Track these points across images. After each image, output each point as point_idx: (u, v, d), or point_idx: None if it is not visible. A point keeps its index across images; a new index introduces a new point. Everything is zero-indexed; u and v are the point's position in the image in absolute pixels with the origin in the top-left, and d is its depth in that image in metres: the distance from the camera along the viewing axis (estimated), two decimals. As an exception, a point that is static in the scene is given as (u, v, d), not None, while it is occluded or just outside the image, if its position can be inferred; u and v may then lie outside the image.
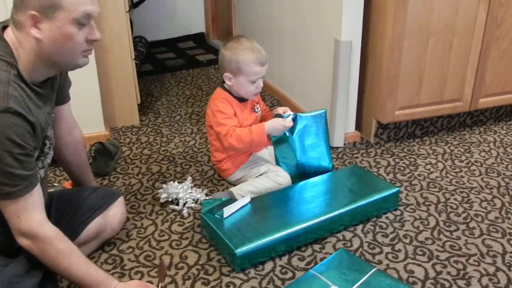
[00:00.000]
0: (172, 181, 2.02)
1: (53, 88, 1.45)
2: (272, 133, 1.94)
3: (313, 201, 1.84)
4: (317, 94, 2.52)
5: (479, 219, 1.86)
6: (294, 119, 1.94)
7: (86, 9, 1.26)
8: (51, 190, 1.76)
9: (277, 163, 2.05)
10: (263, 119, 2.08)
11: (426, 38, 2.19)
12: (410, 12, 2.11)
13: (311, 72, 2.56)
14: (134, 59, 2.59)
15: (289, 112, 1.96)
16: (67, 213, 1.59)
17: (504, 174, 2.16)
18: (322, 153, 2.04)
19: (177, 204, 1.94)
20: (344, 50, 2.21)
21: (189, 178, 2.05)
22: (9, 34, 1.27)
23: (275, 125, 1.92)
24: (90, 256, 1.65)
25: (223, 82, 1.98)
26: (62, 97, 1.58)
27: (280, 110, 1.97)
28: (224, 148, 1.98)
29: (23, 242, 1.30)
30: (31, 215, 1.27)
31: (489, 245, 1.72)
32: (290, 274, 1.60)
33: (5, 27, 1.30)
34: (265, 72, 1.94)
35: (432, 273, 1.59)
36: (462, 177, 2.14)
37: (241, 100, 1.99)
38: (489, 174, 2.16)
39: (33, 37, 1.25)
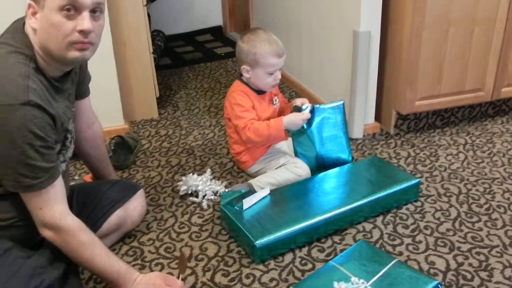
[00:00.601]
0: (191, 174, 2.02)
1: (73, 82, 1.46)
2: (290, 128, 1.93)
3: (333, 192, 1.84)
4: (335, 86, 2.50)
5: (502, 210, 1.83)
6: (312, 111, 1.93)
7: None
8: (72, 183, 1.78)
9: (296, 155, 2.04)
10: (281, 111, 2.08)
11: (446, 27, 2.15)
12: (430, 1, 2.07)
13: (330, 63, 2.54)
14: (152, 53, 2.60)
15: (307, 104, 1.94)
16: (88, 206, 1.61)
17: (527, 164, 2.13)
18: (341, 145, 2.02)
19: (197, 196, 1.95)
20: (363, 40, 2.19)
21: (209, 170, 2.06)
22: (28, 27, 1.29)
23: (293, 119, 1.91)
24: (111, 248, 1.67)
25: (241, 75, 1.98)
26: (82, 92, 1.59)
27: (298, 101, 1.96)
28: (243, 141, 1.98)
29: (46, 233, 1.32)
30: (53, 207, 1.29)
31: (512, 236, 1.70)
32: (310, 266, 1.60)
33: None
34: (283, 64, 1.93)
35: (453, 265, 1.58)
36: (484, 167, 2.11)
37: (259, 92, 1.98)
38: (511, 164, 2.13)
39: (32, 27, 1.26)
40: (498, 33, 2.25)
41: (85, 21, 1.22)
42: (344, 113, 2.02)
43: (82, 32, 1.23)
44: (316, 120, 1.95)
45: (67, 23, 1.22)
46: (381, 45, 2.28)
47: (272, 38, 1.91)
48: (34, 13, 1.24)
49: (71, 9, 1.21)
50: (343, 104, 2.01)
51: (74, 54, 1.26)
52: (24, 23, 1.30)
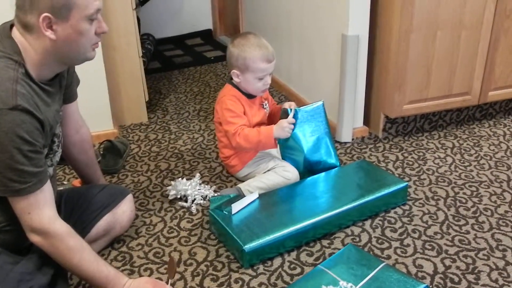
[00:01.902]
0: (180, 178, 2.03)
1: (60, 86, 1.46)
2: (280, 137, 1.92)
3: (321, 196, 1.85)
4: (325, 89, 2.52)
5: (489, 213, 1.85)
6: (295, 114, 1.93)
7: (97, 4, 1.29)
8: (60, 188, 1.77)
9: (284, 159, 2.04)
10: (272, 114, 2.08)
11: (433, 31, 2.17)
12: (417, 5, 2.10)
13: (319, 67, 2.55)
14: (142, 56, 2.60)
15: (293, 107, 1.95)
16: (77, 211, 1.61)
17: (514, 167, 2.15)
18: (327, 147, 2.03)
19: (186, 201, 1.95)
20: (351, 44, 2.21)
21: (198, 175, 2.06)
22: (16, 34, 1.28)
23: (280, 126, 1.90)
24: (99, 253, 1.66)
25: (231, 78, 1.98)
26: (69, 95, 1.59)
27: (286, 105, 1.97)
28: (232, 145, 1.98)
29: (34, 238, 1.31)
30: (41, 212, 1.29)
31: (499, 239, 1.71)
32: (298, 270, 1.61)
33: (12, 25, 1.31)
34: (273, 69, 1.93)
35: (441, 268, 1.59)
36: (471, 171, 2.13)
37: (250, 96, 1.99)
38: (498, 167, 2.15)
39: (46, 38, 1.26)
40: (485, 37, 2.28)
41: (103, 24, 1.33)
42: (325, 112, 2.02)
43: (102, 33, 1.34)
44: (298, 122, 1.94)
45: (91, 29, 1.31)
46: (369, 49, 2.30)
47: (262, 42, 1.91)
48: (50, 26, 1.25)
49: (95, 17, 1.30)
50: (323, 104, 2.00)
51: (93, 54, 1.37)
52: (10, 28, 1.30)
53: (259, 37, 1.93)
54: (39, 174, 1.27)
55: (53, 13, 1.23)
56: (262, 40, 1.92)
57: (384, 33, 2.25)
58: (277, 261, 1.64)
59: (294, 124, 1.93)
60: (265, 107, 2.07)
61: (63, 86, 1.48)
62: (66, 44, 1.29)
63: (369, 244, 1.71)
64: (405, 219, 1.82)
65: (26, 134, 1.21)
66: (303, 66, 2.72)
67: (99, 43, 1.38)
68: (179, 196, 1.97)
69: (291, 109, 1.93)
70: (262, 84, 1.92)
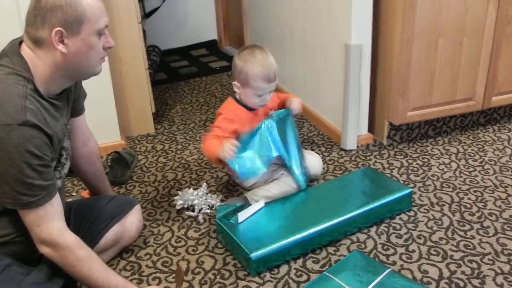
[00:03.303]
0: (187, 188, 2.05)
1: (68, 100, 1.49)
2: (220, 156, 1.80)
3: (327, 204, 1.86)
4: (329, 98, 2.54)
5: (493, 217, 1.86)
6: (283, 114, 1.95)
7: (106, 20, 1.34)
8: (69, 199, 1.80)
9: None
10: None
11: (435, 38, 2.19)
12: (418, 13, 2.12)
13: (323, 76, 2.57)
14: (148, 68, 2.63)
15: (293, 106, 1.97)
16: (86, 222, 1.63)
17: (518, 172, 2.16)
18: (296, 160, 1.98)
19: (193, 211, 1.97)
20: (355, 53, 2.23)
21: (204, 184, 2.08)
22: (25, 50, 1.32)
23: (222, 147, 1.79)
24: (108, 263, 1.69)
25: (235, 91, 2.00)
26: (77, 109, 1.62)
27: (288, 104, 1.98)
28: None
29: (44, 250, 1.34)
30: (51, 224, 1.32)
31: (504, 244, 1.72)
32: (305, 277, 1.62)
33: (21, 42, 1.35)
34: (274, 88, 1.92)
35: (446, 273, 1.60)
36: (476, 176, 2.14)
37: (252, 108, 2.00)
38: (503, 172, 2.16)
39: (57, 52, 1.30)
40: (487, 43, 2.29)
41: (110, 39, 1.39)
42: (292, 121, 1.99)
43: (109, 48, 1.39)
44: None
45: (100, 43, 1.35)
46: (372, 57, 2.32)
47: (266, 61, 1.88)
48: (61, 40, 1.29)
49: (103, 32, 1.35)
50: (288, 111, 1.98)
51: (100, 67, 1.41)
52: (20, 45, 1.33)
53: (266, 53, 1.90)
54: (48, 187, 1.30)
55: (65, 27, 1.27)
56: (267, 57, 1.89)
57: (386, 42, 2.27)
58: (284, 269, 1.66)
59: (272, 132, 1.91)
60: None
61: (70, 100, 1.51)
62: (76, 58, 1.33)
63: (374, 251, 1.72)
64: (410, 225, 1.84)
65: (35, 148, 1.25)
66: (307, 75, 2.74)
67: (106, 58, 1.42)
68: (186, 206, 1.99)
69: (290, 109, 1.95)
70: (260, 100, 1.93)
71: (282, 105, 2.04)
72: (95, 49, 1.35)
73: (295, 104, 1.98)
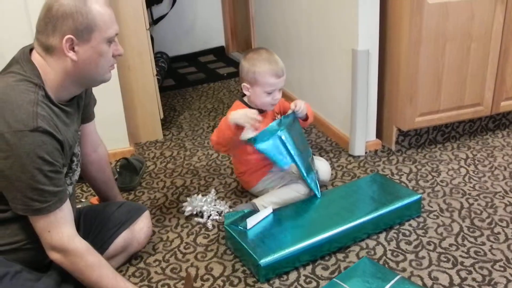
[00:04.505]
0: (196, 194, 2.05)
1: (78, 106, 1.50)
2: (236, 120, 1.81)
3: (336, 210, 1.86)
4: (336, 104, 2.54)
5: (504, 224, 1.85)
6: (288, 117, 1.93)
7: (116, 28, 1.35)
8: (78, 206, 1.81)
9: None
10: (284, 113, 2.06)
11: (443, 44, 2.19)
12: (425, 18, 2.11)
13: (330, 81, 2.58)
14: (156, 75, 2.65)
15: (297, 107, 1.95)
16: (95, 228, 1.64)
17: (528, 177, 2.14)
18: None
19: (202, 217, 1.97)
20: (362, 59, 2.23)
21: (213, 190, 2.09)
22: (36, 57, 1.33)
23: (244, 112, 1.83)
24: (117, 269, 1.69)
25: (243, 95, 2.01)
26: (87, 115, 1.63)
27: (292, 105, 1.97)
28: (245, 160, 2.01)
29: (54, 256, 1.35)
30: (61, 230, 1.32)
31: (515, 250, 1.71)
32: (314, 284, 1.62)
33: (31, 49, 1.36)
34: (282, 84, 1.95)
35: (457, 280, 1.59)
36: (486, 182, 2.13)
37: (260, 111, 2.00)
38: (513, 178, 2.15)
39: (68, 59, 1.31)
40: (495, 47, 2.29)
41: (119, 46, 1.40)
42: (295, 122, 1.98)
43: (118, 56, 1.41)
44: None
45: (109, 51, 1.37)
46: (379, 62, 2.32)
47: (273, 58, 1.93)
48: (72, 47, 1.30)
49: (113, 39, 1.36)
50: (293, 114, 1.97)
51: (109, 75, 1.43)
52: (30, 52, 1.35)
53: (271, 53, 1.95)
54: (59, 193, 1.31)
55: (76, 35, 1.29)
56: (273, 55, 1.94)
57: (393, 47, 2.27)
58: (293, 275, 1.66)
59: (283, 126, 1.90)
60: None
61: (81, 106, 1.52)
62: (86, 65, 1.34)
63: (384, 257, 1.71)
64: (419, 231, 1.83)
65: (47, 154, 1.25)
66: (315, 81, 2.74)
67: (115, 65, 1.43)
68: (195, 212, 1.99)
69: (293, 112, 1.94)
70: (270, 99, 1.94)
71: (286, 111, 2.04)
72: (105, 56, 1.36)
73: (299, 104, 1.96)
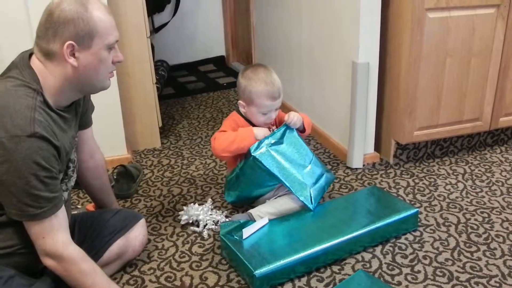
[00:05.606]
0: (192, 203, 2.05)
1: (76, 113, 1.50)
2: (258, 133, 1.89)
3: (332, 222, 1.85)
4: (335, 116, 2.54)
5: (501, 239, 1.84)
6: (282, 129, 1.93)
7: (116, 35, 1.36)
8: (74, 212, 1.80)
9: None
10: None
11: (443, 58, 2.20)
12: (426, 33, 2.12)
13: (330, 93, 2.58)
14: (156, 83, 2.65)
15: (290, 120, 1.94)
16: (90, 235, 1.63)
17: (526, 194, 2.14)
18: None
19: (198, 226, 1.97)
20: (362, 72, 2.24)
21: (209, 200, 2.08)
22: (35, 63, 1.33)
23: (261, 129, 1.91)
24: (112, 277, 1.68)
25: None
26: (85, 122, 1.63)
27: (285, 117, 1.96)
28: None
29: (48, 262, 1.34)
30: (56, 236, 1.32)
31: (511, 266, 1.70)
32: (309, 295, 1.61)
33: (31, 54, 1.36)
34: (278, 105, 1.94)
35: (452, 295, 1.58)
36: (483, 197, 2.13)
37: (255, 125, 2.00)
38: (510, 194, 2.15)
39: (68, 65, 1.31)
40: (495, 63, 2.30)
41: (119, 53, 1.40)
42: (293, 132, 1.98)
43: (119, 62, 1.41)
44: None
45: (109, 57, 1.37)
46: (379, 76, 2.32)
47: (270, 78, 1.90)
48: (72, 53, 1.31)
49: (113, 46, 1.37)
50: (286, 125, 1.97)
51: (109, 82, 1.43)
52: (29, 58, 1.35)
53: (269, 72, 1.92)
54: (54, 199, 1.30)
55: (77, 41, 1.29)
56: (271, 75, 1.91)
57: (394, 60, 2.27)
58: (288, 287, 1.65)
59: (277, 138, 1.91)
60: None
61: (79, 112, 1.52)
62: (86, 71, 1.34)
63: (379, 270, 1.71)
64: (416, 245, 1.82)
65: (43, 160, 1.25)
66: (314, 93, 2.75)
67: (114, 72, 1.43)
68: (191, 221, 1.98)
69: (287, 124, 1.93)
70: (265, 118, 1.94)
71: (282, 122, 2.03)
72: (105, 63, 1.36)
73: (292, 116, 1.94)
